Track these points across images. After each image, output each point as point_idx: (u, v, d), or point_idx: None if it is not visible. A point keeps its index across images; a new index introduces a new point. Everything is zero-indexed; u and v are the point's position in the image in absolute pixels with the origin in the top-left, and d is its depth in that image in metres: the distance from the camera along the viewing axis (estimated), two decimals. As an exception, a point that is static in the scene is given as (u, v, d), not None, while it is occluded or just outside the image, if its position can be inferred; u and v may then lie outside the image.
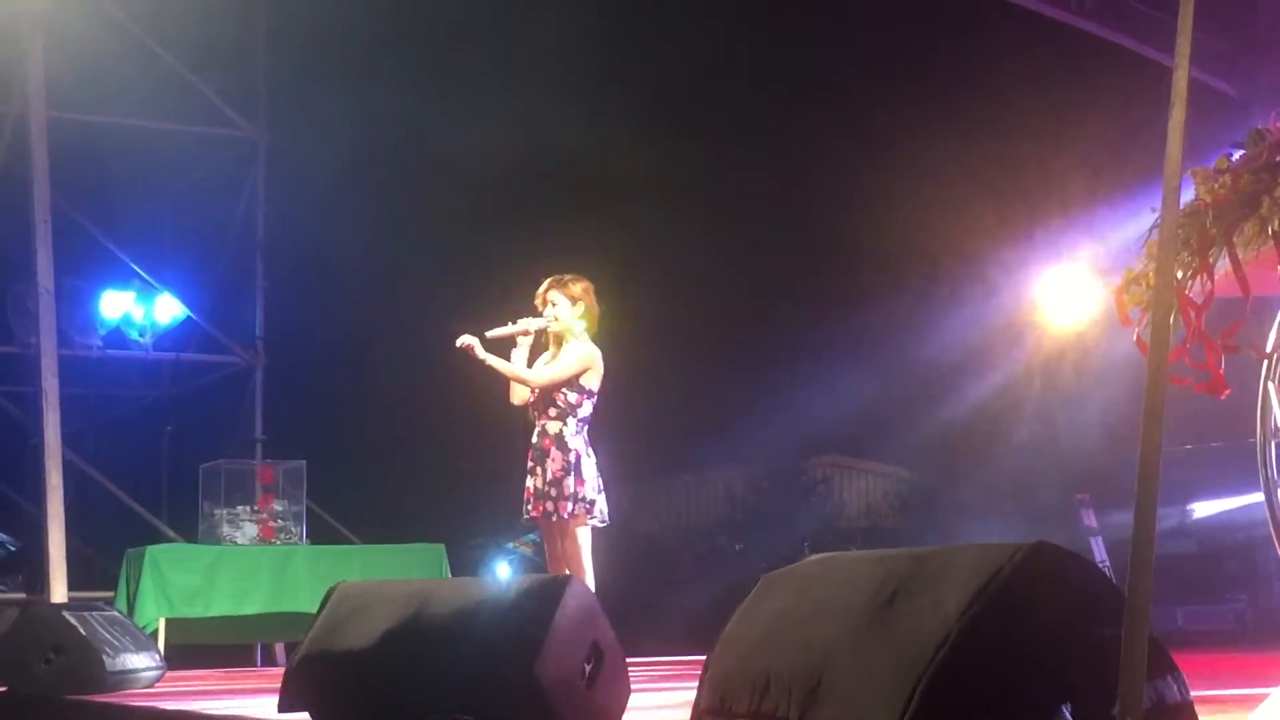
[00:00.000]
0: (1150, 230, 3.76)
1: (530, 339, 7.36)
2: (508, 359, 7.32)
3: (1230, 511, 12.49)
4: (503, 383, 7.46)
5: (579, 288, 7.44)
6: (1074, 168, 13.02)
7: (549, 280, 7.45)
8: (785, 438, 17.34)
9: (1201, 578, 12.51)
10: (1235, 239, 3.59)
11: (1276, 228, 3.49)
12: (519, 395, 7.44)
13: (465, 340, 7.23)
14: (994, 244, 13.62)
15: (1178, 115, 2.56)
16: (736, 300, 16.75)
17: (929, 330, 14.62)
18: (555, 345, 7.45)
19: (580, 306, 7.41)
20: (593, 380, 7.37)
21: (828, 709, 3.23)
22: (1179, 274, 3.66)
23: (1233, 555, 12.76)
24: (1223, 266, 3.77)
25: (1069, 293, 13.50)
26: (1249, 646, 10.01)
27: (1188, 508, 12.88)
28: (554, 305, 7.38)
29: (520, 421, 7.58)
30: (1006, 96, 13.04)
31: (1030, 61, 13.13)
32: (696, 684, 3.53)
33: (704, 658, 3.57)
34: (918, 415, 15.84)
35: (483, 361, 7.24)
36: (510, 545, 15.83)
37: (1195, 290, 3.67)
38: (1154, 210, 3.74)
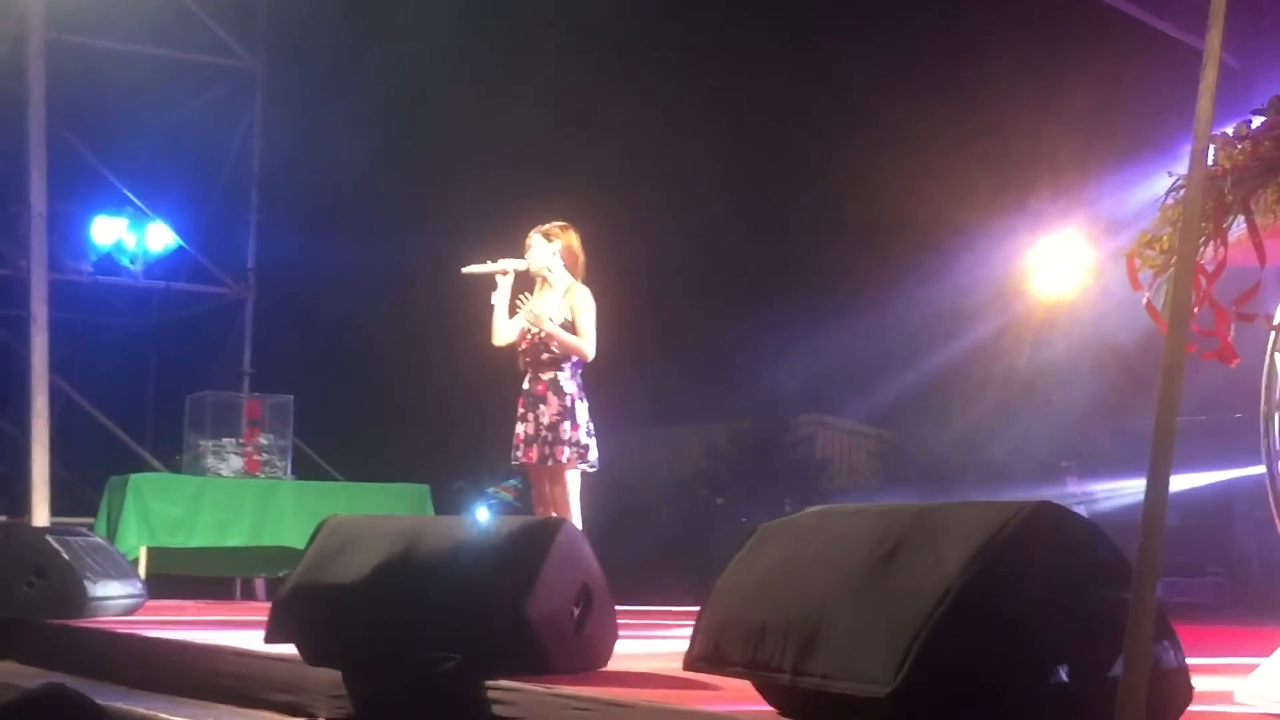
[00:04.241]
0: (1166, 194, 3.74)
1: (510, 278, 7.45)
2: (489, 297, 7.39)
3: (1211, 485, 12.51)
4: (485, 323, 7.50)
5: (560, 233, 7.50)
6: (1065, 135, 12.98)
7: (535, 228, 7.53)
8: (769, 394, 17.33)
9: (1181, 550, 12.54)
10: (1253, 206, 3.58)
11: (1295, 195, 3.47)
12: (501, 337, 7.48)
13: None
14: (984, 212, 13.57)
15: (1209, 77, 2.54)
16: (725, 257, 16.72)
17: (918, 295, 14.59)
18: (542, 287, 7.50)
19: (557, 244, 7.47)
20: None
21: (823, 660, 3.23)
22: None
23: (1212, 529, 12.78)
24: (1234, 234, 3.75)
25: (1059, 261, 13.48)
26: (1227, 619, 10.06)
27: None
28: (531, 248, 7.47)
29: (505, 365, 7.58)
30: (997, 63, 12.98)
31: (1020, 28, 13.07)
32: (680, 632, 3.51)
33: (683, 608, 3.56)
34: (905, 379, 15.82)
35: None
36: (490, 490, 15.81)
37: (1207, 257, 3.66)
38: (1171, 174, 3.72)
